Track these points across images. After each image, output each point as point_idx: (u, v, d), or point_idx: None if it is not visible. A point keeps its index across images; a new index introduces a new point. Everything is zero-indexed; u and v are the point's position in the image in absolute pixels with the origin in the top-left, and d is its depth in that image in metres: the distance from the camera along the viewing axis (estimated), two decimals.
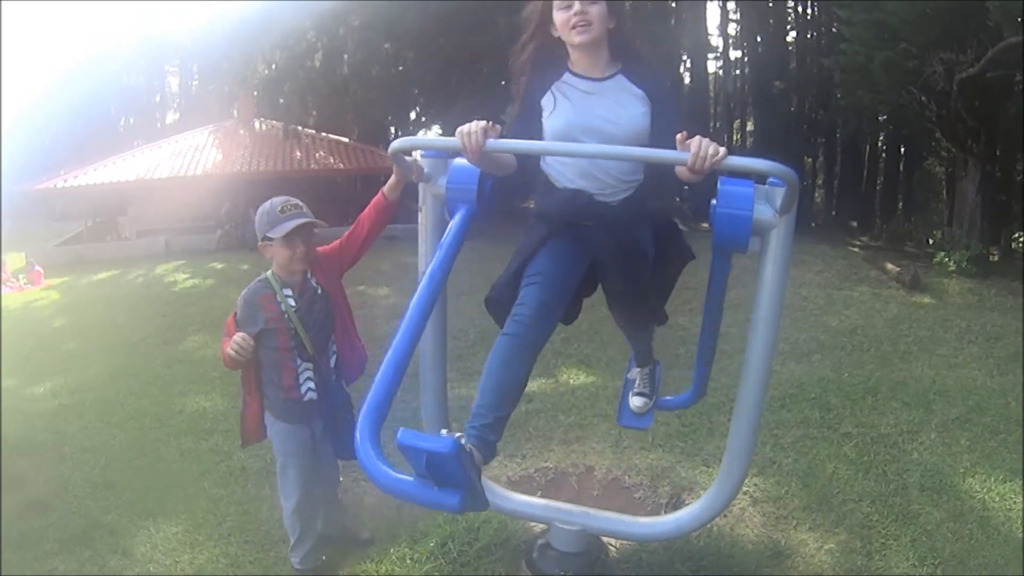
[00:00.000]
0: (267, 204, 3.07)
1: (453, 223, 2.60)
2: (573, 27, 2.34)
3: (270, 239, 3.02)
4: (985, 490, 4.06)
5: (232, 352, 2.91)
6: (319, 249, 3.19)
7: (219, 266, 13.90)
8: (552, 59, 2.47)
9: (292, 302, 3.08)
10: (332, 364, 3.20)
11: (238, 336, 2.92)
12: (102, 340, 8.52)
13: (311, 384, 3.14)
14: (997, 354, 6.77)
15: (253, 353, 2.97)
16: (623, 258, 2.50)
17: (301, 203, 3.07)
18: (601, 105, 2.42)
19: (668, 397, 3.57)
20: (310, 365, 3.14)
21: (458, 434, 1.97)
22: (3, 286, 13.75)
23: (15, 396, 6.36)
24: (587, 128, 2.39)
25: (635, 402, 3.26)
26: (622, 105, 2.41)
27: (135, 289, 12.78)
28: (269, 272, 3.12)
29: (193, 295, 11.46)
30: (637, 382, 3.30)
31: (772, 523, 3.73)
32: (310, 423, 3.20)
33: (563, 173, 2.50)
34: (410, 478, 1.95)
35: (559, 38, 2.42)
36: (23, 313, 11.26)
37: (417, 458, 1.91)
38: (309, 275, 3.13)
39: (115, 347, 8.04)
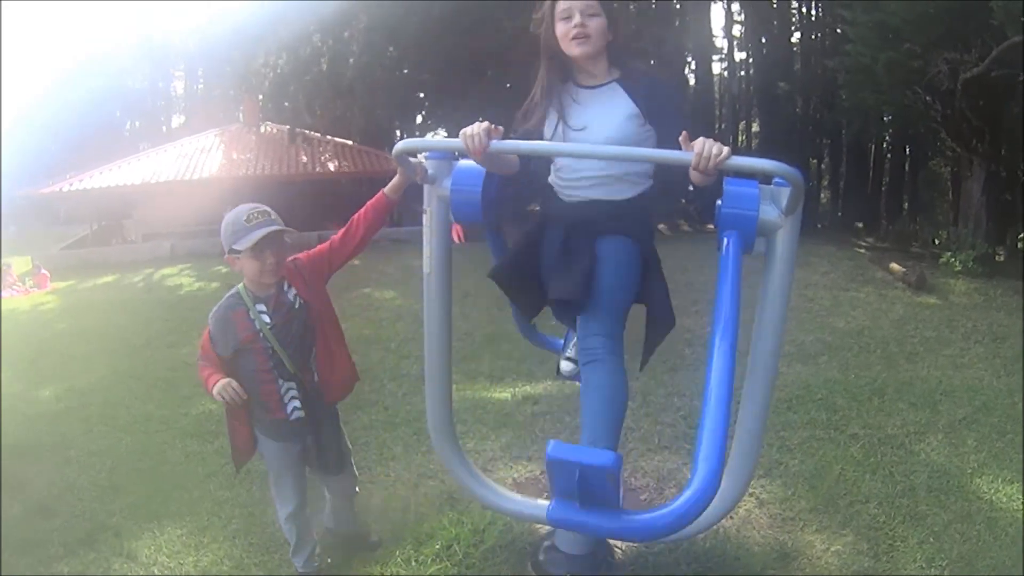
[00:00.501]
0: (231, 213, 2.83)
1: None
2: (572, 39, 2.41)
3: (236, 251, 2.79)
4: (993, 491, 4.04)
5: (221, 401, 2.77)
6: (299, 255, 3.01)
7: (223, 270, 13.92)
8: (562, 70, 2.54)
9: (267, 319, 2.87)
10: (316, 379, 3.03)
11: (230, 387, 2.76)
12: (107, 343, 8.55)
13: (297, 403, 2.98)
14: (1003, 354, 6.75)
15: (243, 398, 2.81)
16: (561, 252, 2.55)
17: (269, 210, 2.85)
18: (586, 112, 2.50)
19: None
20: (293, 384, 2.96)
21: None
22: (9, 290, 13.80)
23: (20, 400, 6.37)
24: (568, 134, 2.49)
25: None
26: (607, 110, 2.47)
27: (139, 293, 12.82)
28: (240, 285, 2.93)
29: (198, 298, 11.49)
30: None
31: (778, 525, 3.72)
32: (301, 439, 3.09)
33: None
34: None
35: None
36: (28, 317, 11.29)
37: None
38: (286, 287, 2.93)
39: (120, 350, 8.06)
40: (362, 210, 3.04)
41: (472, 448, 4.62)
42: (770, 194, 2.41)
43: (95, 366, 7.47)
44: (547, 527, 3.21)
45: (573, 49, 2.42)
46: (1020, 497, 3.95)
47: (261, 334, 2.87)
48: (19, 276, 14.75)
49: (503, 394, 5.82)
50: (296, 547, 3.25)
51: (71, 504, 4.30)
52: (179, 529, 3.92)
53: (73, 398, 6.45)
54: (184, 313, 10.06)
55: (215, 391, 2.77)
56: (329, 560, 3.42)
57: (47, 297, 13.36)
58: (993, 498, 3.97)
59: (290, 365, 2.92)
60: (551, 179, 2.64)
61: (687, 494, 1.95)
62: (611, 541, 3.20)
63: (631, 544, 3.32)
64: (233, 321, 2.88)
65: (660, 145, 2.40)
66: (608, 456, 1.94)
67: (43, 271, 14.89)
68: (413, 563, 3.35)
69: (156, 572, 3.57)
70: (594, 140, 2.45)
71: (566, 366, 3.09)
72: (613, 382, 2.46)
